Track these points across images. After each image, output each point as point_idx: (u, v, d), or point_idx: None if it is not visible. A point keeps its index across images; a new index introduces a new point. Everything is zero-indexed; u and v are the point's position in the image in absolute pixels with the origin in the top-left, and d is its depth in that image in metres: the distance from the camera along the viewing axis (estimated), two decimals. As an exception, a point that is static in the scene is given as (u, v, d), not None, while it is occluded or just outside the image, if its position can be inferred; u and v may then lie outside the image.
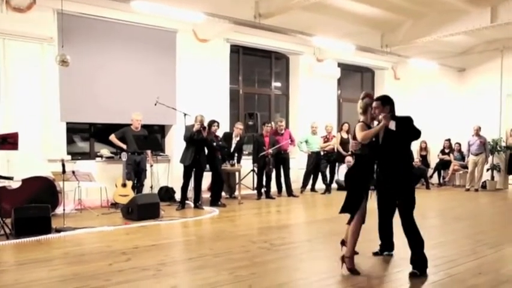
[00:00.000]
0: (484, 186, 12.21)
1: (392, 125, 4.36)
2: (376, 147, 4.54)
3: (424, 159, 13.13)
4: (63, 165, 6.57)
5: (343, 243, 4.67)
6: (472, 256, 5.01)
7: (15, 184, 6.91)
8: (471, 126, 12.03)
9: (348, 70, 13.31)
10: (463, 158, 12.71)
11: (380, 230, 5.00)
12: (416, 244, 4.38)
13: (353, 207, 4.52)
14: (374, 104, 4.53)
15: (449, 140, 13.10)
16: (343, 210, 4.59)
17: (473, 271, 4.44)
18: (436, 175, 13.31)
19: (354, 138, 4.64)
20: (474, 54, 12.89)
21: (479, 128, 11.88)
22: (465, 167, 12.48)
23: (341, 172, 11.68)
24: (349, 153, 12.00)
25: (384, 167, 4.61)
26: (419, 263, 4.31)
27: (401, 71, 13.89)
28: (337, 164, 11.64)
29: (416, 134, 4.47)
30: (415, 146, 13.24)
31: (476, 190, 11.85)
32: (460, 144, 12.84)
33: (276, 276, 4.29)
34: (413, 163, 12.57)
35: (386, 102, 4.54)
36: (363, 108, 4.63)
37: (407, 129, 4.43)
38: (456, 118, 13.22)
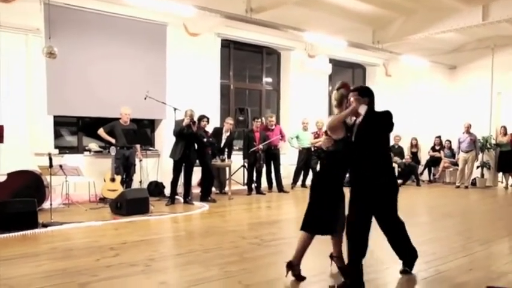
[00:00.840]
0: (474, 184, 12.30)
1: (362, 109, 3.89)
2: (350, 144, 3.96)
3: (414, 156, 13.19)
4: (50, 159, 6.46)
5: (290, 266, 4.02)
6: (462, 253, 5.01)
7: (0, 178, 6.80)
8: (462, 124, 12.10)
9: (340, 66, 13.28)
10: (453, 155, 12.78)
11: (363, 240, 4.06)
12: (407, 237, 4.26)
13: (329, 226, 3.95)
14: (351, 95, 3.98)
15: (439, 137, 13.18)
16: (317, 230, 3.97)
17: (464, 268, 4.44)
18: (426, 172, 13.39)
19: (326, 134, 4.10)
20: (465, 51, 12.96)
21: (470, 125, 11.95)
22: (455, 164, 12.56)
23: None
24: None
25: (359, 167, 3.96)
26: (409, 258, 4.24)
27: (393, 67, 13.90)
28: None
29: (388, 126, 3.96)
30: (405, 143, 13.29)
31: (466, 187, 11.92)
32: (450, 142, 12.91)
33: (266, 272, 4.26)
34: (404, 160, 12.64)
35: (365, 93, 4.01)
36: (338, 99, 4.07)
37: (383, 122, 3.95)
38: (447, 115, 13.30)
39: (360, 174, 3.94)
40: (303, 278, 3.98)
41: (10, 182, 6.83)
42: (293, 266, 3.98)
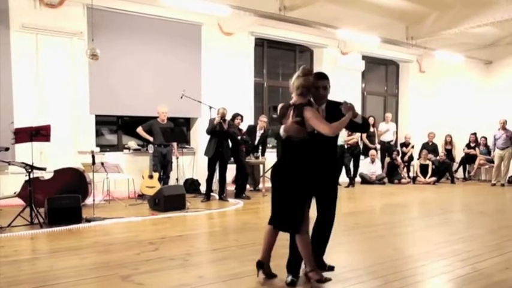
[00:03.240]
0: (510, 181, 12.01)
1: (359, 119, 3.84)
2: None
3: (449, 153, 12.97)
4: (93, 157, 6.70)
5: (260, 265, 3.89)
6: (497, 251, 4.95)
7: (47, 175, 7.12)
8: (497, 120, 11.82)
9: (373, 63, 13.20)
10: (489, 152, 12.52)
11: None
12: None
13: (294, 222, 3.70)
14: (324, 83, 3.83)
15: (475, 133, 12.91)
16: (282, 227, 3.82)
17: (500, 266, 4.40)
18: (461, 169, 13.15)
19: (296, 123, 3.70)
20: (501, 46, 12.60)
21: (506, 121, 11.67)
22: (491, 161, 12.30)
23: (364, 165, 11.68)
24: (374, 146, 12.05)
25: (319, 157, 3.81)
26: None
27: (427, 63, 13.70)
28: (362, 157, 11.66)
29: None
30: (440, 140, 13.11)
31: (503, 185, 11.67)
32: (486, 138, 12.64)
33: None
34: (438, 157, 12.48)
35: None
36: (307, 87, 3.71)
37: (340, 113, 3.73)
38: (482, 111, 13.00)
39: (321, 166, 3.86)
40: (273, 276, 3.91)
41: (56, 179, 7.13)
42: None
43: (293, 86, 3.77)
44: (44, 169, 6.39)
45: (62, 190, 6.82)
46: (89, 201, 7.28)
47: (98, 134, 9.01)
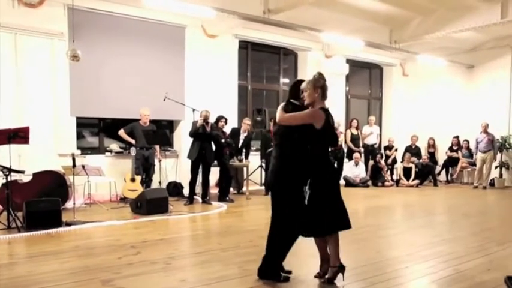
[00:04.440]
0: (492, 184, 12.17)
1: None
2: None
3: (432, 156, 13.09)
4: (74, 160, 6.63)
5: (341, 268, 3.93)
6: (480, 253, 5.01)
7: (26, 178, 6.98)
8: (479, 124, 11.97)
9: (356, 66, 13.27)
10: (471, 155, 12.66)
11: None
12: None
13: (325, 224, 3.84)
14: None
15: (457, 137, 13.06)
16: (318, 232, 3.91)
17: (482, 267, 4.44)
18: (444, 172, 13.27)
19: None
20: (483, 50, 12.81)
21: (487, 125, 11.81)
22: (473, 164, 12.44)
23: (347, 168, 11.72)
24: (358, 149, 12.10)
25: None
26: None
27: (410, 67, 13.85)
28: (345, 160, 11.69)
29: None
30: (423, 143, 13.23)
31: (485, 188, 11.80)
32: (468, 142, 12.79)
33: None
34: (421, 160, 12.59)
35: None
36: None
37: None
38: (465, 115, 13.17)
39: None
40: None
41: (36, 182, 7.00)
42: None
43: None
44: (22, 172, 6.28)
45: (41, 193, 6.70)
46: (69, 204, 7.17)
47: (79, 136, 8.87)
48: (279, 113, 3.89)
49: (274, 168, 3.95)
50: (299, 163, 3.83)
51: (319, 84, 3.94)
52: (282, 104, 4.01)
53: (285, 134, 3.90)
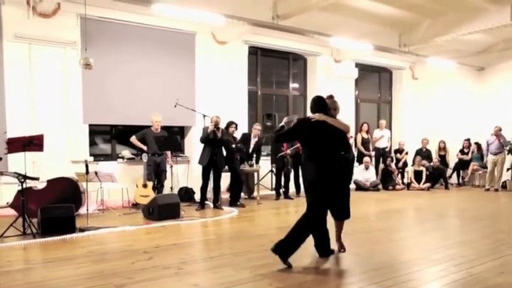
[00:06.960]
0: (504, 186, 12.07)
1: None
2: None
3: (442, 159, 13.02)
4: (87, 166, 6.71)
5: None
6: (492, 256, 4.98)
7: (40, 185, 7.07)
8: (490, 126, 11.89)
9: (366, 70, 13.26)
10: (482, 157, 12.58)
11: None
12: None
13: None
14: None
15: (468, 139, 12.98)
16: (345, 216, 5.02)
17: (495, 270, 4.41)
18: (455, 175, 13.21)
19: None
20: (493, 52, 12.74)
21: (500, 128, 11.73)
22: (484, 167, 12.35)
23: (358, 172, 11.70)
24: (369, 153, 12.09)
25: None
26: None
27: (420, 70, 13.78)
28: (356, 164, 11.66)
29: None
30: (433, 146, 13.17)
31: (496, 190, 11.72)
32: (479, 144, 12.71)
33: (296, 275, 4.31)
34: (432, 163, 12.53)
35: None
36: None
37: None
38: (475, 117, 13.10)
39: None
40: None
41: (50, 188, 7.09)
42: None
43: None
44: (37, 179, 6.35)
45: (55, 200, 6.78)
46: (82, 210, 7.25)
47: (92, 143, 8.97)
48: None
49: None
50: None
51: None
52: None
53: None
